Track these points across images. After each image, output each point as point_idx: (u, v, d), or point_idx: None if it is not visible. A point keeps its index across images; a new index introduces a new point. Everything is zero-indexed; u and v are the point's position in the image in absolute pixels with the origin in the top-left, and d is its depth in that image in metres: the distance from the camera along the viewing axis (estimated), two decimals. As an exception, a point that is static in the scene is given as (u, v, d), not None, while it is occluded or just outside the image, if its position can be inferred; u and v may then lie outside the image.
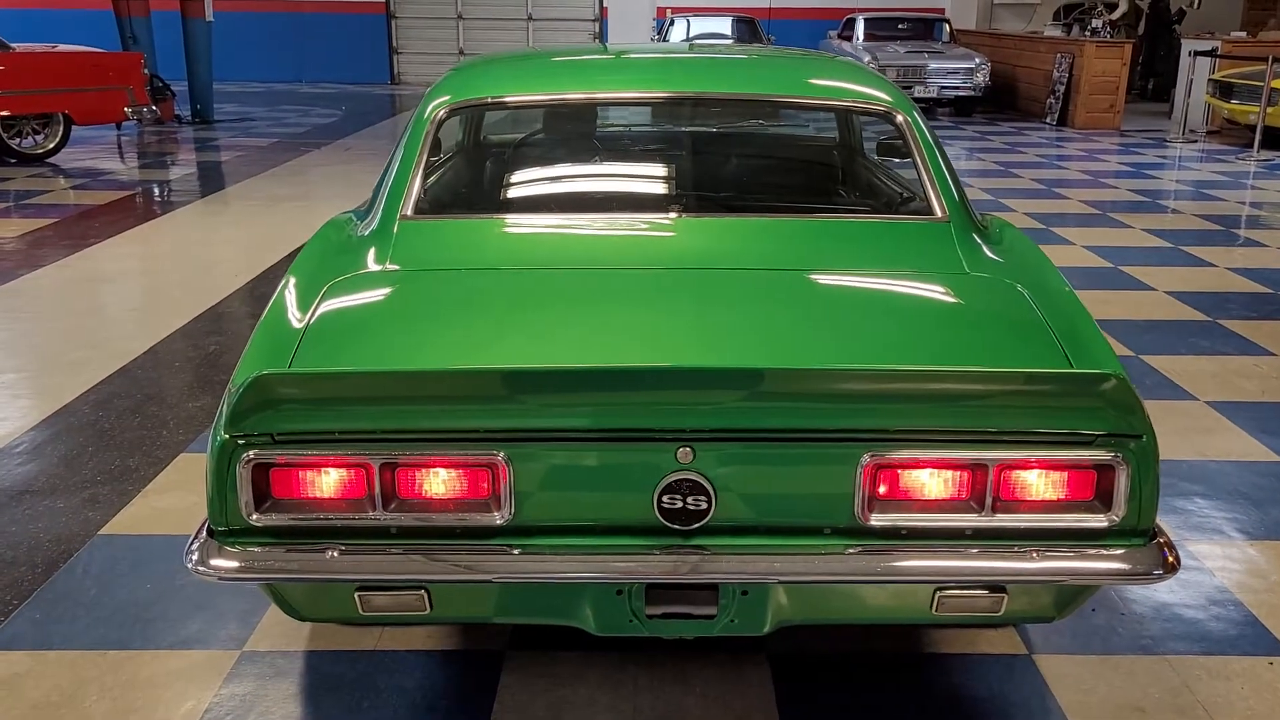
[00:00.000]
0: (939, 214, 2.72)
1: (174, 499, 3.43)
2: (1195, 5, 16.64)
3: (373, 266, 2.54)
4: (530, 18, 20.89)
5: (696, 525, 1.99)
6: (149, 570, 2.99)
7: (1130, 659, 2.62)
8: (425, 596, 2.06)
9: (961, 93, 15.01)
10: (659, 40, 16.18)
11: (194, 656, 2.61)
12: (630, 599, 2.09)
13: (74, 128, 10.43)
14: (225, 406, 1.96)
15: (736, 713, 2.42)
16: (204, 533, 2.03)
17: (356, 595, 2.07)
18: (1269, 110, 11.20)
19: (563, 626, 2.21)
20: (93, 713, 2.41)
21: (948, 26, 16.51)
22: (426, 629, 2.70)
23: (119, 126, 12.40)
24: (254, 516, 1.97)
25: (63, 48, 10.83)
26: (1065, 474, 1.98)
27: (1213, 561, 3.10)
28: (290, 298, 2.38)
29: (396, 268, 2.54)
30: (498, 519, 1.99)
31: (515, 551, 1.99)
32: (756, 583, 2.05)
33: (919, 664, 2.60)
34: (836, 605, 2.19)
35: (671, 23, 16.85)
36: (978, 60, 15.02)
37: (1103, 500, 1.99)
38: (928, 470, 1.99)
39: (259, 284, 5.96)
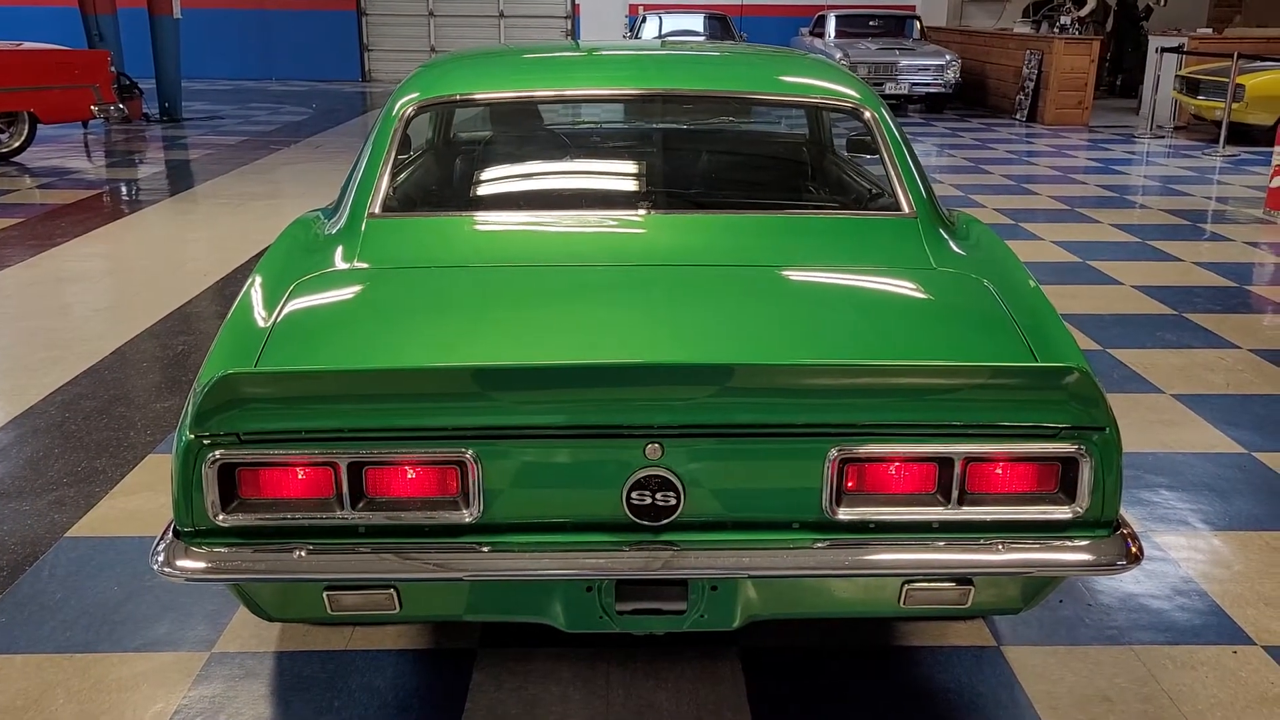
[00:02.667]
0: (906, 210, 2.74)
1: (142, 500, 3.40)
2: (1162, 3, 16.80)
3: (340, 265, 2.53)
4: (502, 14, 20.82)
5: (665, 521, 1.99)
6: (116, 572, 2.96)
7: (1097, 649, 2.65)
8: (394, 595, 2.06)
9: (932, 89, 15.09)
10: (631, 37, 16.18)
11: (162, 659, 2.59)
12: (600, 595, 2.09)
13: (40, 126, 10.31)
14: (190, 406, 1.94)
15: (708, 707, 2.43)
16: (170, 534, 2.01)
17: (325, 595, 2.06)
18: (1234, 106, 11.32)
19: (533, 624, 2.21)
20: (59, 717, 2.38)
21: (918, 23, 16.60)
22: (397, 628, 2.69)
23: (85, 125, 12.25)
24: (220, 517, 1.96)
25: (28, 45, 10.69)
26: (1030, 466, 2.00)
27: (1178, 552, 3.13)
28: (256, 297, 2.37)
29: (364, 266, 2.53)
30: (467, 517, 1.99)
31: (485, 549, 1.99)
32: (726, 578, 2.06)
33: (889, 656, 2.62)
34: (805, 599, 2.20)
35: (644, 20, 16.84)
36: (948, 57, 15.11)
37: (1067, 492, 2.01)
38: (894, 464, 2.01)
39: (228, 283, 5.92)
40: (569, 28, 20.51)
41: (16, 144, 10.11)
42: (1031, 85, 14.48)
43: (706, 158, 3.57)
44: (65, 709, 2.41)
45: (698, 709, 2.42)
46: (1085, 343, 4.92)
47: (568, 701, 2.44)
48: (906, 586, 2.09)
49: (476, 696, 2.46)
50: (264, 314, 2.26)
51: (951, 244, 2.68)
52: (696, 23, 16.87)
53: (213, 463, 1.92)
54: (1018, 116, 14.76)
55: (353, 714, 2.41)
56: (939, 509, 2.01)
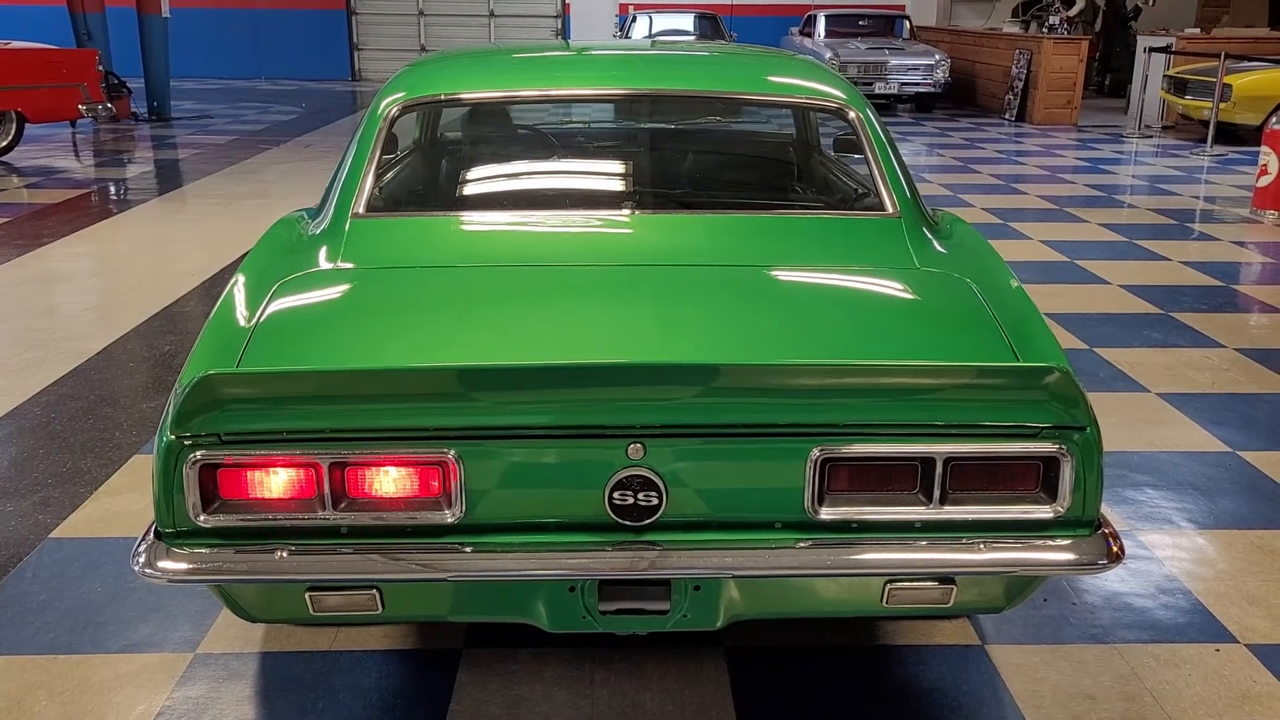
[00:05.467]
0: (890, 210, 2.74)
1: (127, 501, 3.39)
2: (1151, 3, 16.86)
3: (323, 265, 2.52)
4: (492, 14, 20.81)
5: (648, 521, 1.99)
6: (100, 573, 2.95)
7: (1080, 648, 2.66)
8: (377, 596, 2.06)
9: (922, 89, 15.12)
10: (621, 37, 16.18)
11: (146, 660, 2.59)
12: (583, 595, 2.09)
13: (27, 126, 10.26)
14: (171, 407, 1.94)
15: (693, 707, 2.43)
16: (151, 535, 2.00)
17: (307, 596, 2.06)
18: (1222, 106, 11.37)
19: (517, 624, 2.21)
20: (41, 719, 2.37)
21: (908, 23, 16.64)
22: (382, 628, 2.69)
23: (74, 124, 12.22)
24: (202, 518, 1.96)
25: (15, 44, 10.64)
26: (1011, 466, 2.01)
27: (1162, 551, 3.14)
28: (239, 297, 2.36)
29: (347, 266, 2.52)
30: (449, 517, 1.98)
31: (467, 550, 1.99)
32: (709, 578, 2.06)
33: (873, 655, 2.62)
34: (788, 599, 2.20)
35: (634, 19, 16.86)
36: (938, 57, 15.14)
37: (1048, 491, 2.01)
38: (876, 464, 2.01)
39: (216, 283, 5.91)
40: (559, 27, 20.50)
41: (4, 143, 10.06)
42: (1020, 85, 14.52)
43: (692, 158, 3.58)
44: (48, 711, 2.40)
45: (682, 709, 2.42)
46: (1072, 342, 4.93)
47: (552, 701, 2.44)
48: (889, 586, 2.09)
49: (461, 697, 2.46)
50: (246, 314, 2.25)
51: (935, 243, 2.68)
52: (686, 22, 16.89)
53: (194, 463, 1.92)
54: (1006, 116, 14.79)
55: (337, 715, 2.40)
56: (921, 509, 2.02)
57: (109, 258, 6.73)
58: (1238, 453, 3.82)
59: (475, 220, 2.81)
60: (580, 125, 4.16)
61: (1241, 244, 7.23)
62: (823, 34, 16.05)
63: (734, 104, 3.61)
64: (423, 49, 20.49)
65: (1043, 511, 2.02)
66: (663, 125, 3.86)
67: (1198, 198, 8.98)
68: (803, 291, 2.51)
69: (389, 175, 3.20)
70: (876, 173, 2.80)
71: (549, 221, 2.74)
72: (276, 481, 1.96)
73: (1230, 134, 11.78)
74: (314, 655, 2.60)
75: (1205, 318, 5.47)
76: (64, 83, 10.28)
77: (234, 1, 20.14)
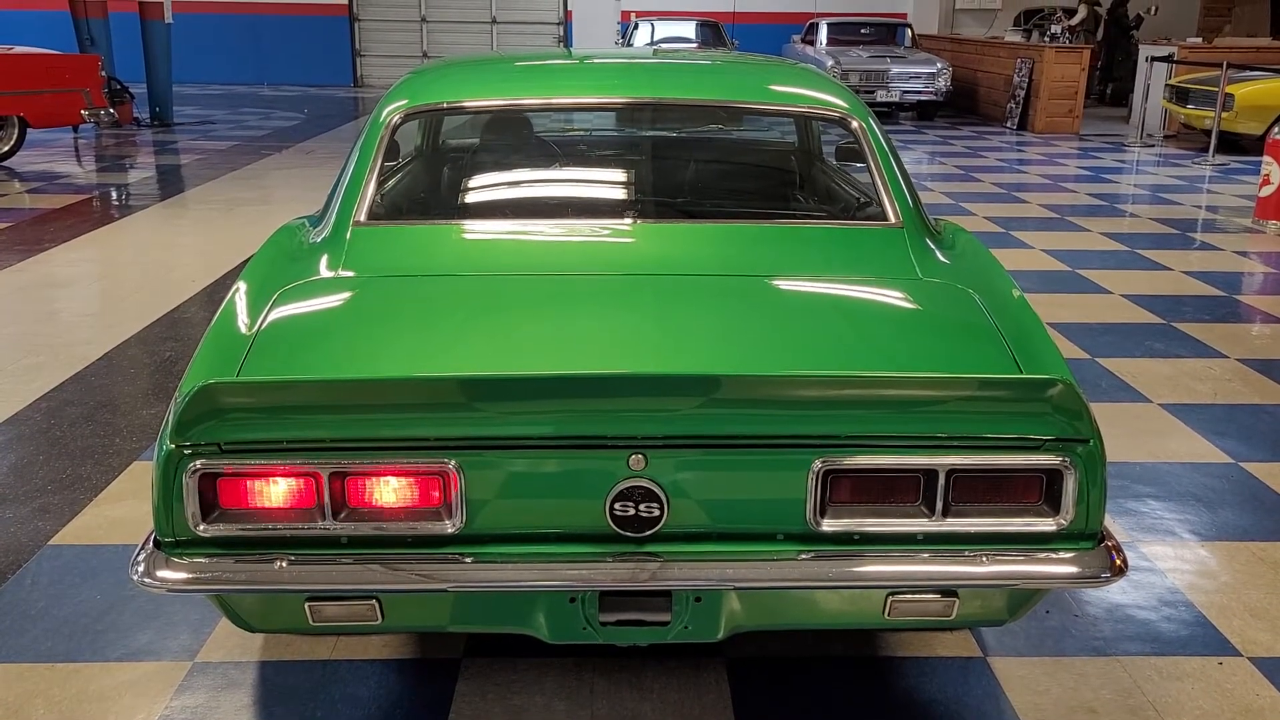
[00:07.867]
0: (893, 219, 2.74)
1: (126, 508, 3.38)
2: (1153, 11, 16.88)
3: (324, 273, 2.52)
4: (494, 21, 20.82)
5: (649, 532, 1.99)
6: (99, 581, 2.95)
7: (1083, 660, 2.65)
8: (376, 606, 2.05)
9: (923, 97, 15.12)
10: (623, 44, 16.20)
11: (145, 668, 2.58)
12: (584, 606, 2.08)
13: (30, 131, 10.27)
14: (171, 416, 1.93)
15: (693, 718, 2.42)
16: (150, 544, 2.00)
17: (306, 606, 2.05)
18: (1224, 115, 11.37)
19: (518, 634, 2.20)
20: (39, 727, 2.37)
21: (910, 31, 16.65)
22: (382, 638, 2.68)
23: (76, 129, 12.23)
24: (201, 527, 1.95)
25: (18, 49, 10.65)
26: (1014, 479, 2.00)
27: (1165, 562, 3.13)
28: (240, 305, 2.36)
29: (348, 274, 2.51)
30: (449, 527, 1.98)
31: (467, 560, 1.98)
32: (710, 589, 2.05)
33: (875, 667, 2.61)
34: (790, 611, 2.19)
35: (636, 26, 16.87)
36: (939, 65, 15.14)
37: (1051, 504, 2.01)
38: (879, 475, 2.00)
39: (217, 289, 5.90)
40: (561, 34, 20.52)
41: (6, 148, 10.06)
42: (1022, 93, 14.53)
43: (694, 166, 3.57)
44: (46, 718, 2.39)
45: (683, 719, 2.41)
46: (1074, 351, 4.92)
47: (552, 712, 2.43)
48: (891, 598, 2.08)
49: (460, 706, 2.45)
50: (247, 323, 2.25)
51: (937, 254, 2.68)
52: (689, 29, 16.90)
53: (193, 473, 1.91)
54: (1008, 124, 14.80)
55: (335, 725, 2.39)
56: (923, 521, 2.01)
57: (110, 263, 6.73)
58: (1240, 464, 3.81)
59: (477, 229, 2.80)
60: (582, 133, 4.16)
61: (1243, 254, 7.22)
62: (825, 42, 16.06)
63: (736, 113, 3.61)
64: (425, 55, 20.51)
65: (1045, 524, 2.01)
66: (665, 134, 3.86)
67: (1200, 207, 8.98)
68: (805, 302, 2.50)
69: (391, 183, 3.20)
70: (879, 182, 2.80)
71: (551, 230, 2.74)
72: (276, 491, 1.96)
73: (1232, 143, 11.79)
74: (313, 664, 2.59)
75: (1207, 328, 5.46)
76: (66, 88, 10.28)
77: (236, 7, 20.17)
